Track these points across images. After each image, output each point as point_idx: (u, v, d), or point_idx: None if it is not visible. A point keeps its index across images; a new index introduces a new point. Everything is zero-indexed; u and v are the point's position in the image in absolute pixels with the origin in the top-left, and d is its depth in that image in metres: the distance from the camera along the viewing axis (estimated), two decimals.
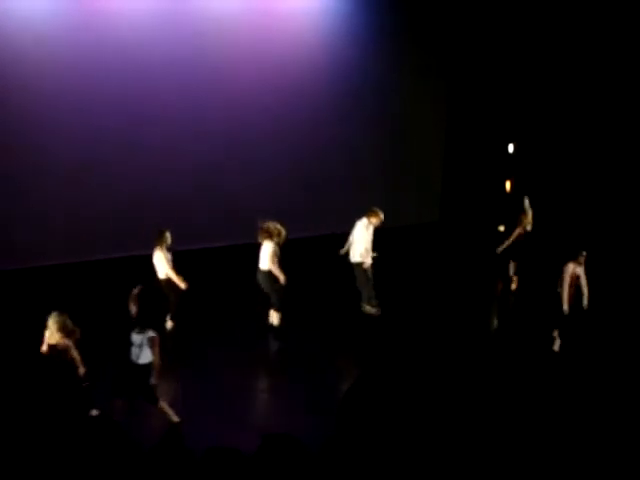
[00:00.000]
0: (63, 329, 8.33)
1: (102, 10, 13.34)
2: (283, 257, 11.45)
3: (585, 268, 10.94)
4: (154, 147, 14.06)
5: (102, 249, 13.52)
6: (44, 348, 8.41)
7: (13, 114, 12.67)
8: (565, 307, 10.83)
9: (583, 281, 10.87)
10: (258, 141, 15.18)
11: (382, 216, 12.21)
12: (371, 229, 12.19)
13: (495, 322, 12.97)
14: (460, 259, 15.66)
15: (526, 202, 13.90)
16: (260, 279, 11.27)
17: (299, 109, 15.67)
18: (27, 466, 4.81)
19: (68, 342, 8.39)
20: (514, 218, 14.51)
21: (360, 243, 12.07)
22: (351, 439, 4.26)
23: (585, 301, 10.85)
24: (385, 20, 16.52)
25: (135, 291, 8.60)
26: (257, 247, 11.36)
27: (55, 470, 4.56)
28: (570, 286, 10.86)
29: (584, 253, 10.92)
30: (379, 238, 12.37)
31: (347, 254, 12.25)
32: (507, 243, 13.67)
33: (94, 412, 8.56)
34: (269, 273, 11.16)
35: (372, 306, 12.15)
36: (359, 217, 12.41)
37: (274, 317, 11.37)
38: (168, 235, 11.18)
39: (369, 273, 12.14)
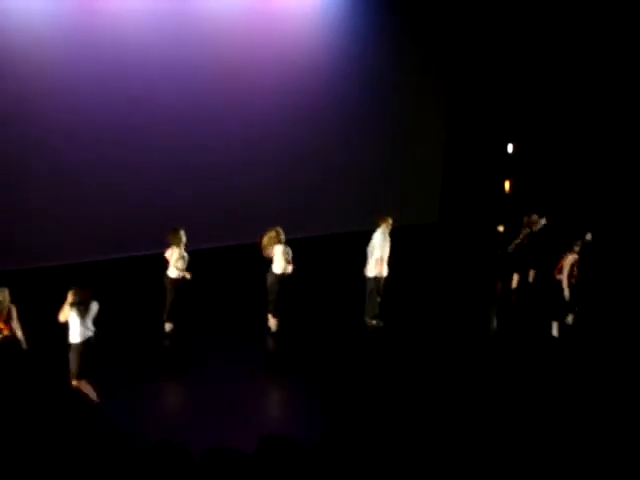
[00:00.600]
0: None
1: (101, 10, 13.34)
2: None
3: (579, 255, 11.45)
4: (154, 147, 14.05)
5: (102, 250, 13.53)
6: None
7: (13, 114, 12.68)
8: (566, 294, 11.34)
9: (576, 268, 11.44)
10: (258, 141, 15.19)
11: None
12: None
13: (495, 322, 12.99)
14: (459, 259, 15.68)
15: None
16: (270, 281, 11.30)
17: (299, 109, 15.68)
18: (25, 466, 4.84)
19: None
20: (514, 218, 14.56)
21: (378, 252, 11.86)
22: (349, 440, 4.28)
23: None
24: (385, 20, 16.53)
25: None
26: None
27: (54, 471, 4.59)
28: (569, 276, 11.33)
29: (579, 242, 11.53)
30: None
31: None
32: (515, 242, 13.74)
33: None
34: (281, 277, 11.23)
35: (371, 320, 12.04)
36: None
37: (272, 322, 11.40)
38: (182, 233, 11.06)
39: (381, 286, 11.98)
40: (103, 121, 13.46)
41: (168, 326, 11.21)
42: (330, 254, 14.34)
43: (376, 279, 11.82)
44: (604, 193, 17.51)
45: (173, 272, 11.05)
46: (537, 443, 8.01)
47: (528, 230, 13.78)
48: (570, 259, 11.38)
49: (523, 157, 18.23)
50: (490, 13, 17.43)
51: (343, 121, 16.27)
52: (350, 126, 16.39)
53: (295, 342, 11.26)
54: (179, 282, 11.04)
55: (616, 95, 17.31)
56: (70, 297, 8.58)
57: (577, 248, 11.45)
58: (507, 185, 18.18)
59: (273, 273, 11.24)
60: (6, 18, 12.48)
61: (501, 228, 16.86)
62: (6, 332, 8.72)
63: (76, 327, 8.55)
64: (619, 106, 17.32)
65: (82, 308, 8.60)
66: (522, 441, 8.07)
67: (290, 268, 11.13)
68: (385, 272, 11.84)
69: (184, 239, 11.05)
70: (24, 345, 8.68)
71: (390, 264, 11.92)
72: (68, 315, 8.57)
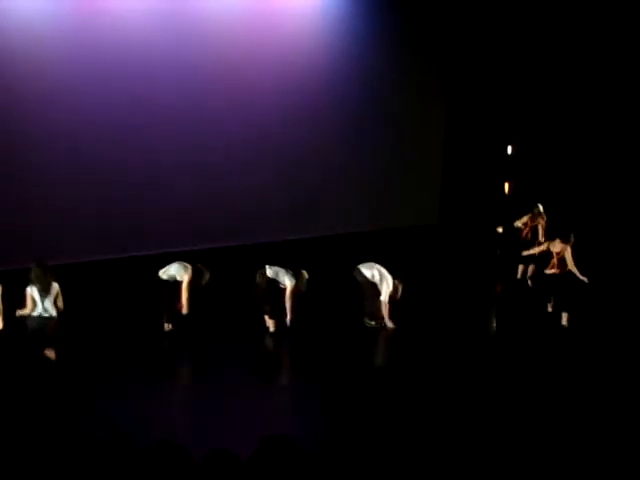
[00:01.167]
0: None
1: (101, 10, 13.34)
2: (282, 259, 11.56)
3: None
4: (153, 146, 14.03)
5: (101, 249, 13.52)
6: None
7: (13, 114, 12.68)
8: (584, 279, 11.80)
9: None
10: (257, 141, 15.17)
11: None
12: None
13: (495, 325, 12.99)
14: (459, 261, 15.67)
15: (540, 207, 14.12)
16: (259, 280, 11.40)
17: (298, 110, 15.66)
18: (23, 465, 4.83)
19: None
20: (514, 220, 14.56)
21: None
22: (349, 440, 4.29)
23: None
24: (385, 20, 16.51)
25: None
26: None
27: (52, 471, 4.58)
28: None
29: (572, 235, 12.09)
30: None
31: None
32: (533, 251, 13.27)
33: None
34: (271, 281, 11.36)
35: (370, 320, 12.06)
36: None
37: (270, 322, 11.44)
38: (206, 274, 11.29)
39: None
40: (102, 120, 13.41)
41: (167, 326, 11.26)
42: (329, 255, 14.33)
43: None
44: (604, 194, 17.50)
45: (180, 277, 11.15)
46: (538, 441, 8.01)
47: (542, 222, 13.82)
48: (569, 250, 11.83)
49: (523, 159, 18.23)
50: (490, 14, 17.43)
51: (343, 122, 16.26)
52: (350, 127, 16.37)
53: (295, 343, 11.27)
54: (176, 286, 11.11)
55: (617, 97, 17.31)
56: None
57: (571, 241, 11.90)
58: (507, 187, 18.18)
59: (265, 275, 11.34)
60: (5, 18, 12.49)
61: (500, 230, 16.87)
62: None
63: (37, 304, 8.96)
64: (620, 108, 17.33)
65: (40, 287, 8.90)
66: (522, 440, 8.08)
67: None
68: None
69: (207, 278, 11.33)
70: None
71: (389, 267, 11.94)
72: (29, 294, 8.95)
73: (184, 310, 11.06)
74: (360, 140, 16.56)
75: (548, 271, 12.26)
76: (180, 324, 11.36)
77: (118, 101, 13.52)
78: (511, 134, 18.28)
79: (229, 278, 13.56)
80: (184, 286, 11.02)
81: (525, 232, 14.08)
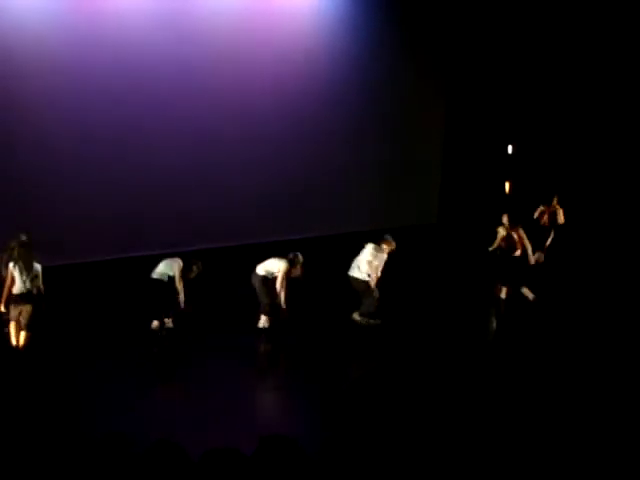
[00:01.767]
0: None
1: (99, 9, 13.35)
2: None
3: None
4: (152, 147, 14.05)
5: (101, 250, 13.52)
6: None
7: (12, 113, 12.68)
8: (532, 260, 12.98)
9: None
10: (257, 141, 15.19)
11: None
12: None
13: (494, 325, 12.98)
14: (458, 261, 15.67)
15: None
16: (254, 282, 11.46)
17: (298, 110, 15.68)
18: (20, 465, 4.82)
19: None
20: (514, 219, 14.57)
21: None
22: (349, 440, 4.28)
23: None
24: (384, 20, 16.53)
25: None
26: (257, 248, 11.39)
27: (51, 471, 4.58)
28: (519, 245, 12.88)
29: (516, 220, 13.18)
30: (377, 240, 12.32)
31: None
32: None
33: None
34: (263, 278, 11.38)
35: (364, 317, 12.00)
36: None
37: (263, 319, 11.46)
38: (196, 269, 11.23)
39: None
40: (102, 119, 13.44)
41: (167, 322, 11.26)
42: (329, 254, 14.32)
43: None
44: (604, 193, 17.50)
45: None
46: (537, 441, 8.01)
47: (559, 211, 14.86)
48: (520, 231, 12.86)
49: (523, 158, 18.22)
50: (490, 14, 17.43)
51: (342, 121, 16.27)
52: (349, 126, 16.39)
53: (295, 342, 11.26)
54: (168, 286, 11.13)
55: (617, 96, 17.31)
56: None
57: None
58: (507, 186, 18.17)
59: (257, 275, 11.32)
60: (5, 16, 12.49)
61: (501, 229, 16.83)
62: None
63: (16, 281, 9.45)
64: (620, 107, 17.32)
65: (21, 264, 9.42)
66: (522, 440, 8.08)
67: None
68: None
69: (193, 275, 11.28)
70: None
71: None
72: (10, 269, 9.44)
73: (182, 304, 11.06)
74: (359, 140, 16.57)
75: (516, 254, 13.02)
76: (179, 323, 11.36)
77: (117, 100, 13.53)
78: (511, 133, 18.28)
79: (228, 278, 13.58)
80: (177, 279, 11.03)
81: (543, 220, 15.03)
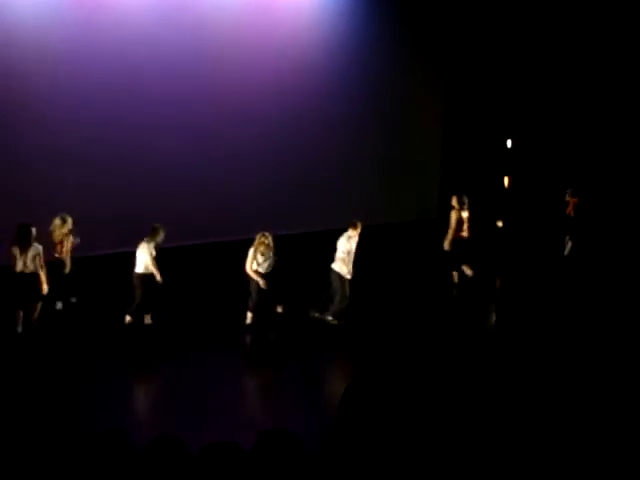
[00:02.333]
0: None
1: (102, 5, 13.32)
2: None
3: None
4: (151, 142, 14.03)
5: (101, 246, 13.48)
6: None
7: (15, 113, 12.65)
8: (446, 246, 13.66)
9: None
10: (257, 136, 15.16)
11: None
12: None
13: (493, 318, 12.98)
14: (458, 256, 15.61)
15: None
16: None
17: (298, 106, 15.65)
18: (19, 462, 4.80)
19: None
20: (513, 214, 14.57)
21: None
22: (349, 436, 4.25)
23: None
24: (383, 17, 16.50)
25: None
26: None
27: (49, 467, 4.55)
28: (455, 230, 13.55)
29: (465, 200, 13.69)
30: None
31: None
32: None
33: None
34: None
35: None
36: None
37: (249, 317, 11.48)
38: (162, 233, 11.10)
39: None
40: (102, 118, 13.45)
41: (128, 319, 11.20)
42: (329, 250, 14.31)
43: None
44: (604, 188, 17.45)
45: (141, 268, 11.06)
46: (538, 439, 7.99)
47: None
48: (455, 215, 13.55)
49: (522, 153, 18.18)
50: (488, 9, 17.39)
51: (342, 118, 16.24)
52: (349, 121, 16.35)
53: (293, 339, 11.25)
54: (144, 278, 11.05)
55: (616, 90, 17.27)
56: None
57: (465, 206, 13.61)
58: (506, 181, 18.14)
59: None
60: (8, 13, 12.44)
61: (500, 224, 16.84)
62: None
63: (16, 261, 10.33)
64: (620, 101, 17.28)
65: (22, 245, 10.29)
66: (522, 438, 8.06)
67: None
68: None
69: (159, 239, 11.13)
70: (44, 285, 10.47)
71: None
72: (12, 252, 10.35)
73: (159, 280, 11.07)
74: (359, 135, 16.54)
75: (464, 234, 13.75)
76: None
77: (117, 94, 13.53)
78: (511, 128, 18.23)
79: (227, 273, 13.54)
80: (150, 261, 11.03)
81: (568, 209, 15.44)
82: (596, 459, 7.63)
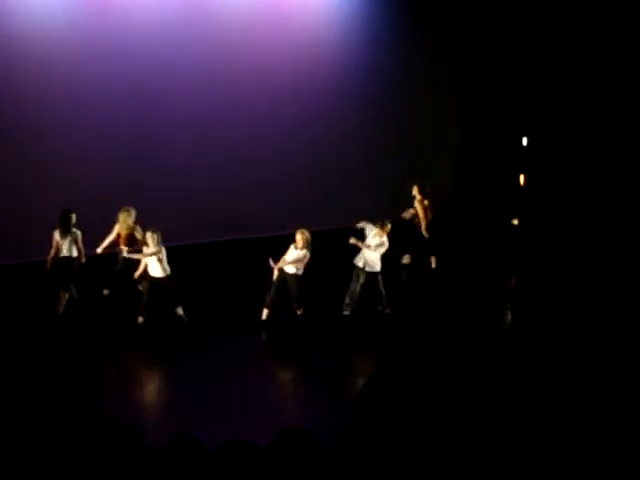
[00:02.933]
0: None
1: (111, 5, 13.33)
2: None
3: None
4: (156, 141, 14.03)
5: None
6: None
7: (17, 113, 12.69)
8: (425, 234, 14.18)
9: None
10: (267, 138, 15.14)
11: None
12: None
13: (509, 317, 12.90)
14: (473, 253, 15.56)
15: None
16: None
17: (311, 107, 15.63)
18: (35, 460, 4.79)
19: None
20: (529, 212, 14.49)
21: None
22: (367, 434, 4.21)
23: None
24: (398, 16, 16.43)
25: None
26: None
27: (67, 466, 4.54)
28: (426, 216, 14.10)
29: (426, 189, 14.29)
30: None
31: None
32: None
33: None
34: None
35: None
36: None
37: (264, 313, 11.50)
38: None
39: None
40: (103, 117, 13.46)
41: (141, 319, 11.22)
42: (343, 248, 14.29)
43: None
44: (619, 187, 17.33)
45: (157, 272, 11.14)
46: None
47: None
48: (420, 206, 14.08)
49: (538, 151, 18.08)
50: (504, 5, 17.30)
51: (358, 117, 16.17)
52: (365, 122, 16.29)
53: (309, 336, 11.23)
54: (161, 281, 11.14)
55: (634, 88, 17.13)
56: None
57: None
58: (522, 179, 18.05)
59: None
60: (16, 13, 12.48)
61: (516, 222, 16.76)
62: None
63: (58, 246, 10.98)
64: (637, 99, 17.14)
65: (62, 229, 10.95)
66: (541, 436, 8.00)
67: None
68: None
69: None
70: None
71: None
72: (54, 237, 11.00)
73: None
74: (374, 130, 16.48)
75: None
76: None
77: (123, 97, 13.55)
78: (526, 126, 18.14)
79: (241, 271, 13.54)
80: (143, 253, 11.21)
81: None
82: (612, 459, 7.58)
